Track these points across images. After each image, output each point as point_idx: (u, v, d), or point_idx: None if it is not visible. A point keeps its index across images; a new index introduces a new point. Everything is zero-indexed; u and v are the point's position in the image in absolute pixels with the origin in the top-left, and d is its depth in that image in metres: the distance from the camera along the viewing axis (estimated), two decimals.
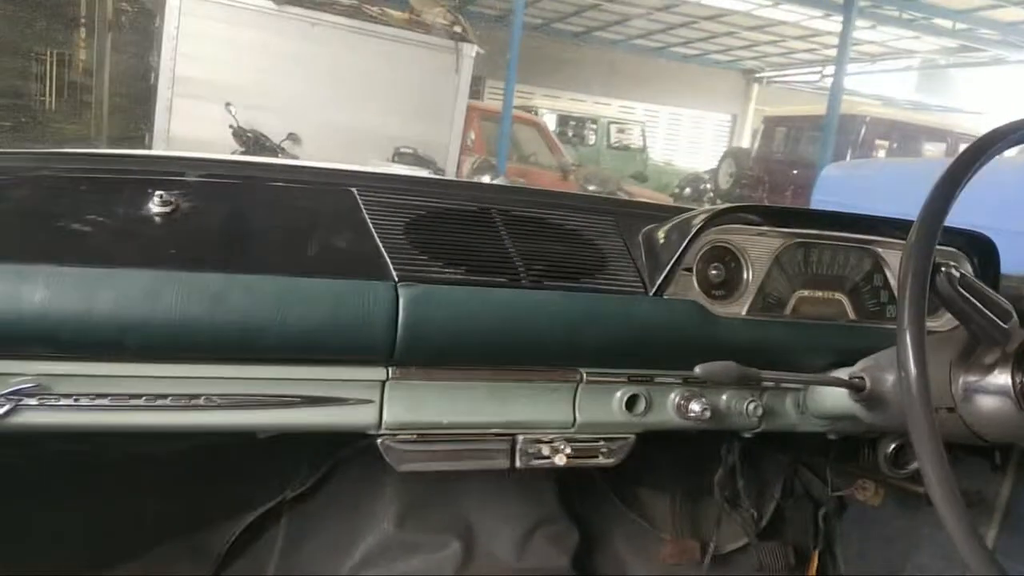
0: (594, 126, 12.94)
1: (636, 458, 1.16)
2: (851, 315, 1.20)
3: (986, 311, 0.86)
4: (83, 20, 8.84)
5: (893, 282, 1.22)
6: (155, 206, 0.89)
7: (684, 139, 16.85)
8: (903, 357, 0.73)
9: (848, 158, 8.61)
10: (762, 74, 18.45)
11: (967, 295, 0.84)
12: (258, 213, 0.96)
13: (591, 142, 12.67)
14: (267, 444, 1.06)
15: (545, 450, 1.07)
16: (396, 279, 0.93)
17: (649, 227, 1.15)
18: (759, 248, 1.16)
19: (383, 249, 0.96)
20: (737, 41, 15.91)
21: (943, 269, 0.82)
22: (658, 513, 1.61)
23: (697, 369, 0.94)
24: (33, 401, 0.83)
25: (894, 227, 1.21)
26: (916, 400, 0.72)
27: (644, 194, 8.02)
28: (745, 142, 15.47)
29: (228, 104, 6.38)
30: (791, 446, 1.62)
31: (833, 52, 10.39)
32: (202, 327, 0.83)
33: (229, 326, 0.84)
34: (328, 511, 1.40)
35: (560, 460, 1.07)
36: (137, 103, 9.52)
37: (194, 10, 6.55)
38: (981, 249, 1.26)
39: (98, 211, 0.88)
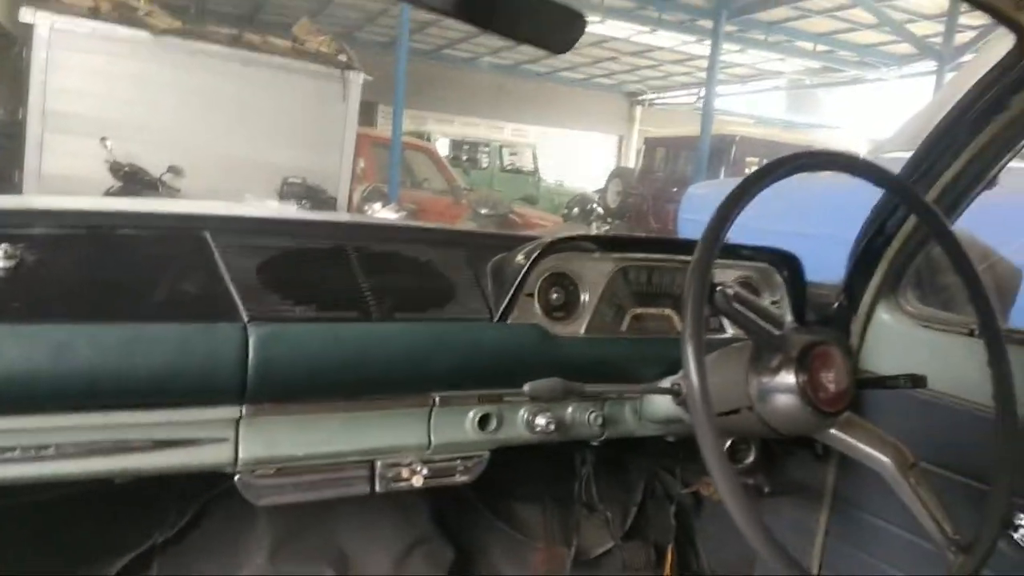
0: (487, 149, 13.16)
1: (507, 471, 1.24)
2: (679, 328, 1.34)
3: (760, 322, 1.00)
4: None
5: None
6: None
7: (574, 160, 17.39)
8: (685, 367, 0.85)
9: (722, 176, 9.15)
10: (644, 97, 19.28)
11: (742, 309, 0.98)
12: (107, 262, 0.98)
13: (484, 165, 12.88)
14: (132, 490, 1.07)
15: (404, 473, 1.14)
16: (246, 320, 0.98)
17: (496, 257, 1.25)
18: (594, 272, 1.29)
19: (233, 291, 1.01)
20: (620, 66, 16.59)
21: (719, 288, 0.95)
22: (530, 523, 1.71)
23: (525, 387, 1.04)
24: None
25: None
26: (697, 404, 0.84)
27: (534, 216, 8.24)
28: (631, 162, 16.11)
29: (103, 139, 6.15)
30: (650, 450, 1.75)
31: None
32: (47, 378, 0.86)
33: (75, 375, 0.87)
34: (201, 552, 1.41)
35: (418, 481, 1.14)
36: (4, 139, 9.00)
37: (64, 42, 6.30)
38: (789, 264, 1.43)
39: None
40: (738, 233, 1.01)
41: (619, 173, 11.39)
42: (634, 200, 10.14)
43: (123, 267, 0.99)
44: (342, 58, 7.36)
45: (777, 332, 1.02)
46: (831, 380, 1.01)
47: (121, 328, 0.91)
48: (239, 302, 1.00)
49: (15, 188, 6.94)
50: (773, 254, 1.42)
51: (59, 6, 6.52)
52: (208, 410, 0.99)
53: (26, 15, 6.36)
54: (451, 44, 15.58)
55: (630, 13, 11.79)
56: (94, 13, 6.59)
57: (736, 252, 1.41)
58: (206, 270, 1.02)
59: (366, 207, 5.74)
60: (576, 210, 8.55)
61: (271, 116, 6.83)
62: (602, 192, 10.55)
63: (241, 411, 1.01)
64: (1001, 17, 0.97)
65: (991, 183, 1.26)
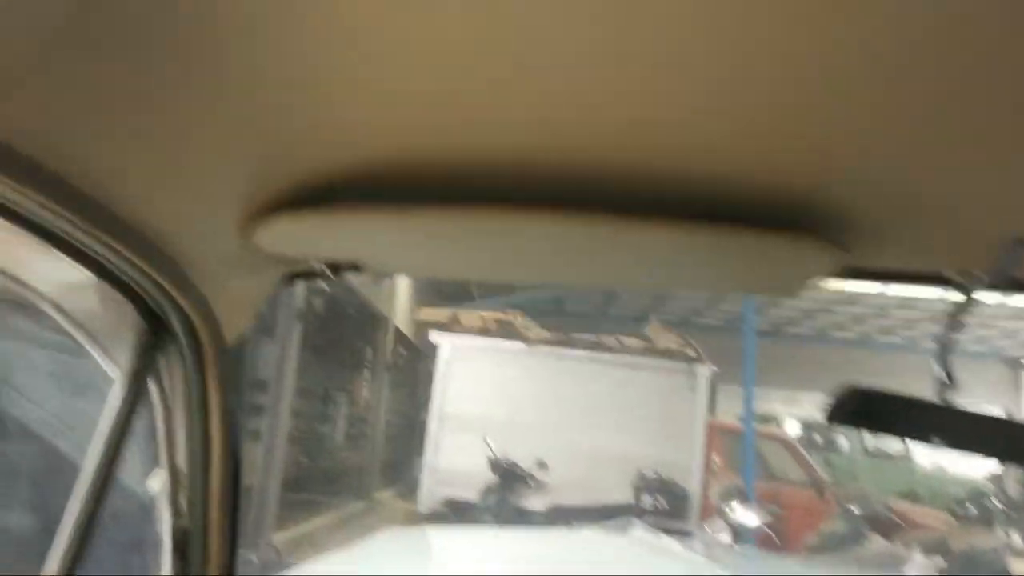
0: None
1: None
2: None
3: None
4: (367, 364, 10.52)
5: None
6: None
7: None
8: None
9: None
10: None
11: None
12: None
13: (843, 449, 11.80)
14: None
15: None
16: None
17: None
18: None
19: None
20: (992, 331, 14.80)
21: None
22: None
23: None
24: None
25: None
26: None
27: (916, 513, 7.18)
28: None
29: (486, 437, 7.02)
30: None
31: None
32: None
33: None
34: None
35: None
36: (406, 435, 10.75)
37: (461, 356, 7.62)
38: None
39: None
40: None
41: None
42: None
43: None
44: (690, 353, 7.75)
45: None
46: None
47: None
48: None
49: (414, 481, 8.09)
50: None
51: (458, 327, 8.02)
52: None
53: (434, 337, 7.90)
54: (791, 322, 15.46)
55: None
56: (483, 332, 7.96)
57: None
58: None
59: (724, 506, 5.56)
60: (970, 506, 7.24)
61: (625, 411, 7.27)
62: (998, 480, 8.91)
63: None
64: None
65: None
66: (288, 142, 0.50)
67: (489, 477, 6.90)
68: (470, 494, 6.91)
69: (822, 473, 8.07)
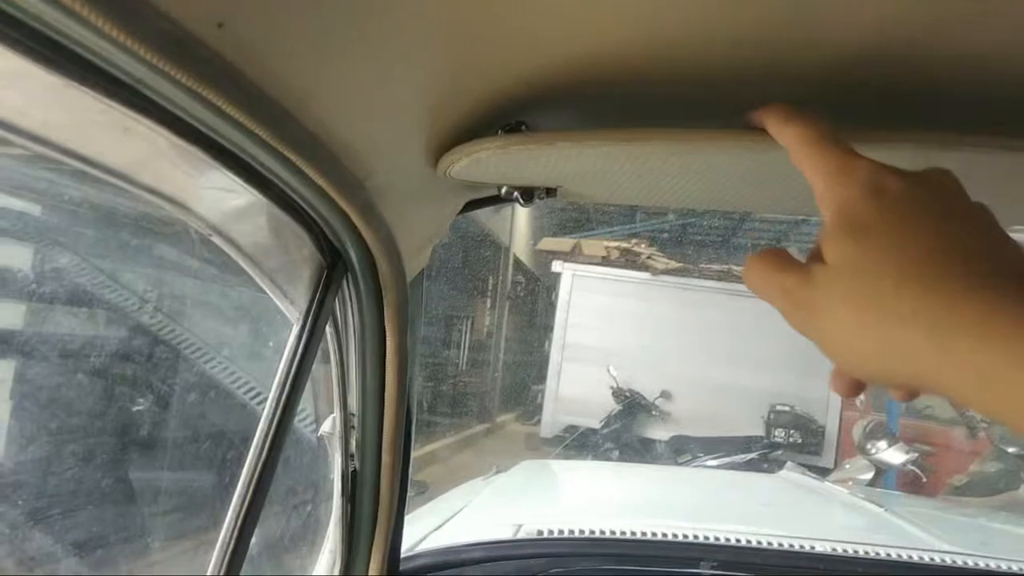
0: None
1: None
2: None
3: None
4: (489, 292, 10.69)
5: None
6: None
7: None
8: None
9: None
10: None
11: None
12: None
13: None
14: None
15: None
16: None
17: None
18: None
19: None
20: None
21: None
22: None
23: None
24: None
25: None
26: None
27: None
28: None
29: (608, 367, 6.98)
30: None
31: None
32: None
33: None
34: None
35: None
36: (527, 363, 10.93)
37: (582, 285, 7.54)
38: None
39: None
40: None
41: None
42: None
43: None
44: None
45: None
46: None
47: None
48: None
49: (537, 408, 8.22)
50: None
51: (581, 257, 7.91)
52: None
53: (556, 266, 7.84)
54: None
55: None
56: (606, 260, 7.82)
57: None
58: None
59: (869, 445, 5.27)
60: None
61: (755, 342, 7.00)
62: None
63: None
64: None
65: None
66: (480, 63, 0.46)
67: (612, 406, 6.90)
68: (592, 422, 6.93)
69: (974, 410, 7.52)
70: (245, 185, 0.47)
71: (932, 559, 1.25)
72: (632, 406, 6.85)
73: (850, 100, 0.47)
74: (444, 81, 0.47)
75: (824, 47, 0.42)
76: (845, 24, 0.39)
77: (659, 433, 6.75)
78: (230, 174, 0.45)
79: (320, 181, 0.44)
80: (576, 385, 7.21)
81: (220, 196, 0.53)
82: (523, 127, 0.54)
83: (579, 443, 6.97)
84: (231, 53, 0.33)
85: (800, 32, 0.41)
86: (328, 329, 0.65)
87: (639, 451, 6.68)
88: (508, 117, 0.53)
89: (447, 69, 0.45)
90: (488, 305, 10.69)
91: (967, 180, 0.34)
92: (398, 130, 0.48)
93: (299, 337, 0.60)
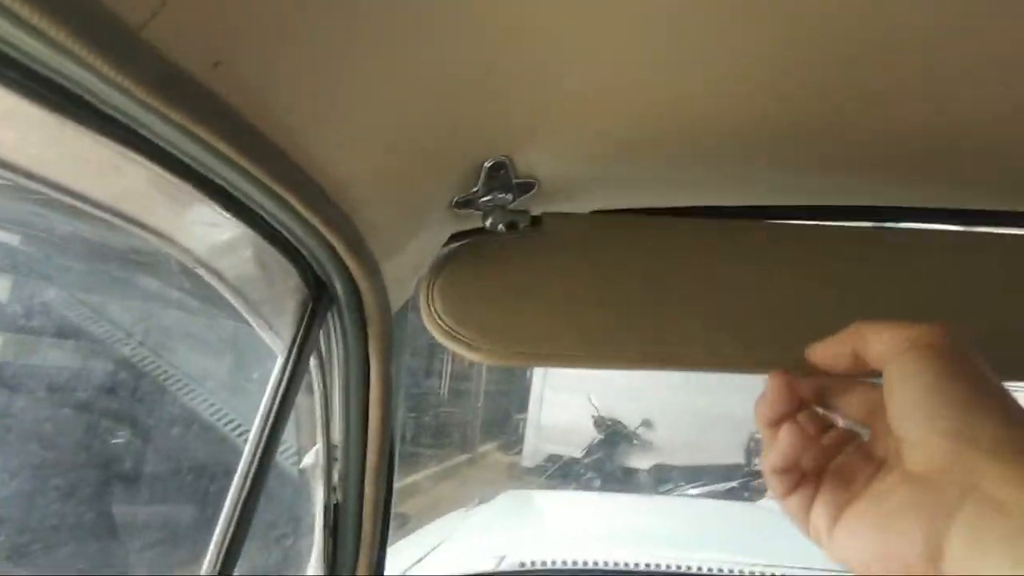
0: None
1: None
2: None
3: None
4: None
5: None
6: None
7: None
8: None
9: None
10: None
11: None
12: None
13: None
14: None
15: None
16: None
17: None
18: None
19: None
20: None
21: None
22: None
23: None
24: None
25: None
26: None
27: None
28: None
29: (590, 396, 6.97)
30: None
31: None
32: None
33: None
34: None
35: None
36: (507, 393, 10.87)
37: None
38: None
39: None
40: None
41: None
42: None
43: None
44: None
45: None
46: None
47: None
48: None
49: (519, 438, 8.17)
50: None
51: None
52: None
53: None
54: None
55: None
56: None
57: None
58: None
59: None
60: None
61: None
62: None
63: None
64: None
65: None
66: (467, 102, 0.47)
67: (593, 435, 6.88)
68: (574, 451, 6.90)
69: None
70: (233, 219, 0.48)
71: None
72: (613, 435, 6.84)
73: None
74: (433, 118, 0.47)
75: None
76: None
77: (641, 462, 6.73)
78: (218, 208, 0.46)
79: (308, 216, 0.45)
80: (558, 414, 7.19)
81: (206, 230, 0.53)
82: (507, 161, 0.55)
83: (561, 472, 6.92)
84: (225, 91, 0.33)
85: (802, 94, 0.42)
86: (312, 360, 0.65)
87: (621, 480, 6.65)
88: (494, 152, 0.54)
89: (436, 108, 0.46)
90: None
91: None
92: (387, 165, 0.49)
93: (283, 369, 0.60)
